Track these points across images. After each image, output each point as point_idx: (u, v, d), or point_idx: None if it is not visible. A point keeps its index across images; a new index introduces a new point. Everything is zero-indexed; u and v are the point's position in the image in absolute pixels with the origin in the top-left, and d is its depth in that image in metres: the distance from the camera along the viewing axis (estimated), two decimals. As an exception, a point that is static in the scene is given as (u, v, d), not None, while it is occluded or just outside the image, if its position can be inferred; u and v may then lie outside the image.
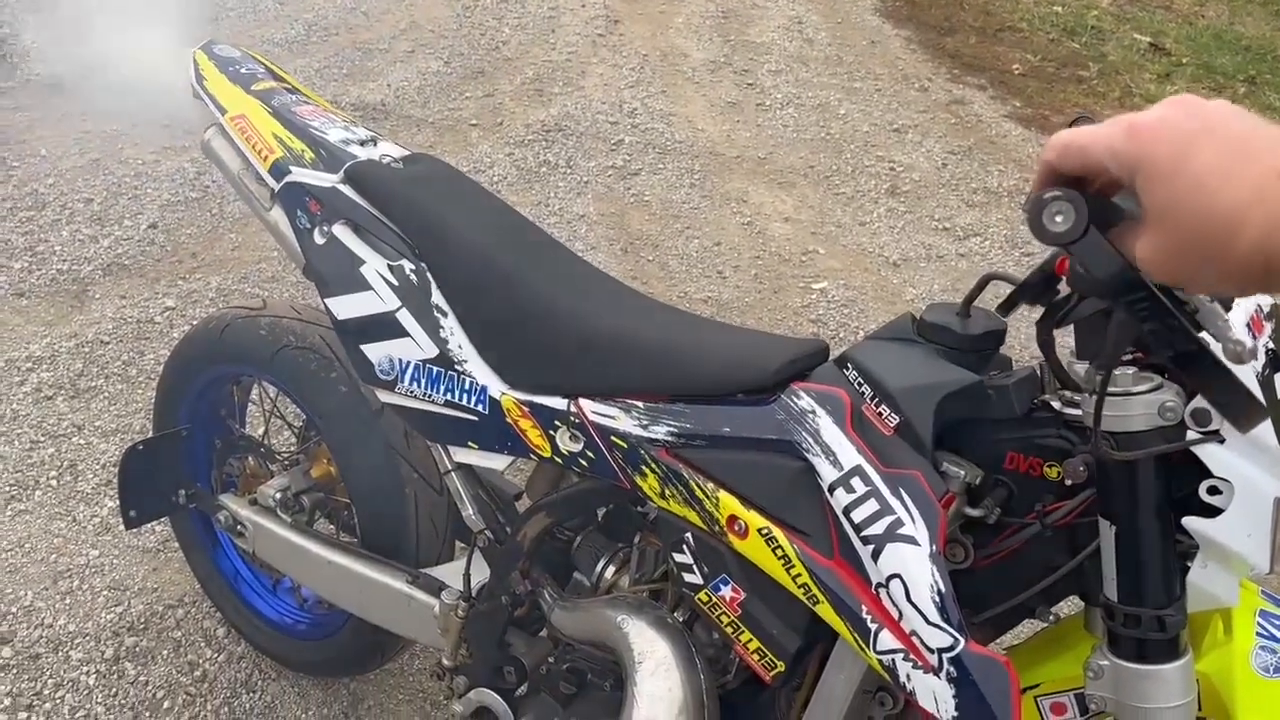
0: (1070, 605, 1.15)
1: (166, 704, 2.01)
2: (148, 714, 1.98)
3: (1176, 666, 0.94)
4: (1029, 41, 5.90)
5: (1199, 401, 0.91)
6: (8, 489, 2.45)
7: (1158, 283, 0.78)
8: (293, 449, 1.95)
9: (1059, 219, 0.74)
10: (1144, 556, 0.94)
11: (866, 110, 4.87)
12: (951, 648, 0.97)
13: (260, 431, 2.04)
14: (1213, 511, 0.92)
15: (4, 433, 2.61)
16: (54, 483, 2.49)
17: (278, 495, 1.80)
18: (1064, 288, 1.00)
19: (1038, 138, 4.71)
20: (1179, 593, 0.95)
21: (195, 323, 2.19)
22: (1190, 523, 0.93)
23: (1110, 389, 0.92)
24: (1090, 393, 0.93)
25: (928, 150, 4.53)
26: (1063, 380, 0.97)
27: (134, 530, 2.12)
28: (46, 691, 2.00)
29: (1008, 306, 1.00)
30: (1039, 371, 1.10)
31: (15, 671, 2.03)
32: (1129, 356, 0.96)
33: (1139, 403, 0.92)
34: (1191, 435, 0.92)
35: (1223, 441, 0.91)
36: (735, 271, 3.62)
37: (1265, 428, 0.90)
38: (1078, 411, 1.03)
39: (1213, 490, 0.93)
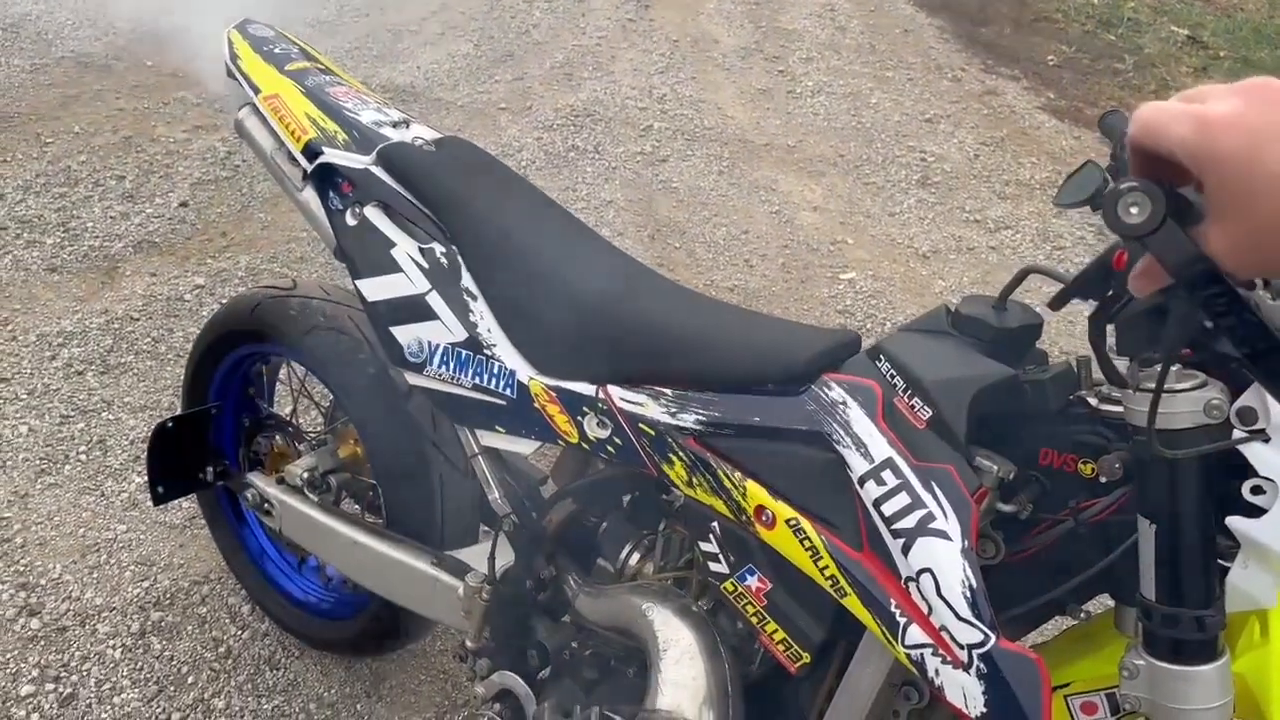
0: (1097, 603, 1.14)
1: (191, 679, 2.02)
2: (172, 688, 2.00)
3: (1214, 668, 0.93)
4: (1064, 33, 5.84)
5: (1245, 400, 0.89)
6: (38, 462, 2.47)
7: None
8: (320, 429, 1.96)
9: (1134, 210, 0.72)
10: (1184, 556, 0.93)
11: (898, 100, 4.83)
12: (982, 644, 0.96)
13: (288, 411, 2.05)
14: (1256, 511, 0.91)
15: (35, 406, 2.64)
16: (83, 457, 2.51)
17: (305, 475, 1.81)
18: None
19: (1071, 130, 4.66)
20: (1218, 593, 0.94)
21: (225, 301, 2.21)
22: (1234, 522, 0.92)
23: (1151, 386, 0.90)
24: (1135, 389, 0.92)
25: (960, 141, 4.49)
26: (1112, 377, 0.95)
27: (161, 506, 2.13)
28: (73, 664, 2.02)
29: (1060, 301, 0.98)
30: (1075, 367, 1.08)
31: (43, 643, 2.05)
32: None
33: (1184, 400, 0.90)
34: (1237, 434, 0.90)
35: (1268, 440, 0.89)
36: (762, 260, 3.61)
37: None
38: (1114, 408, 1.01)
39: (1256, 490, 0.91)
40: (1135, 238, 0.73)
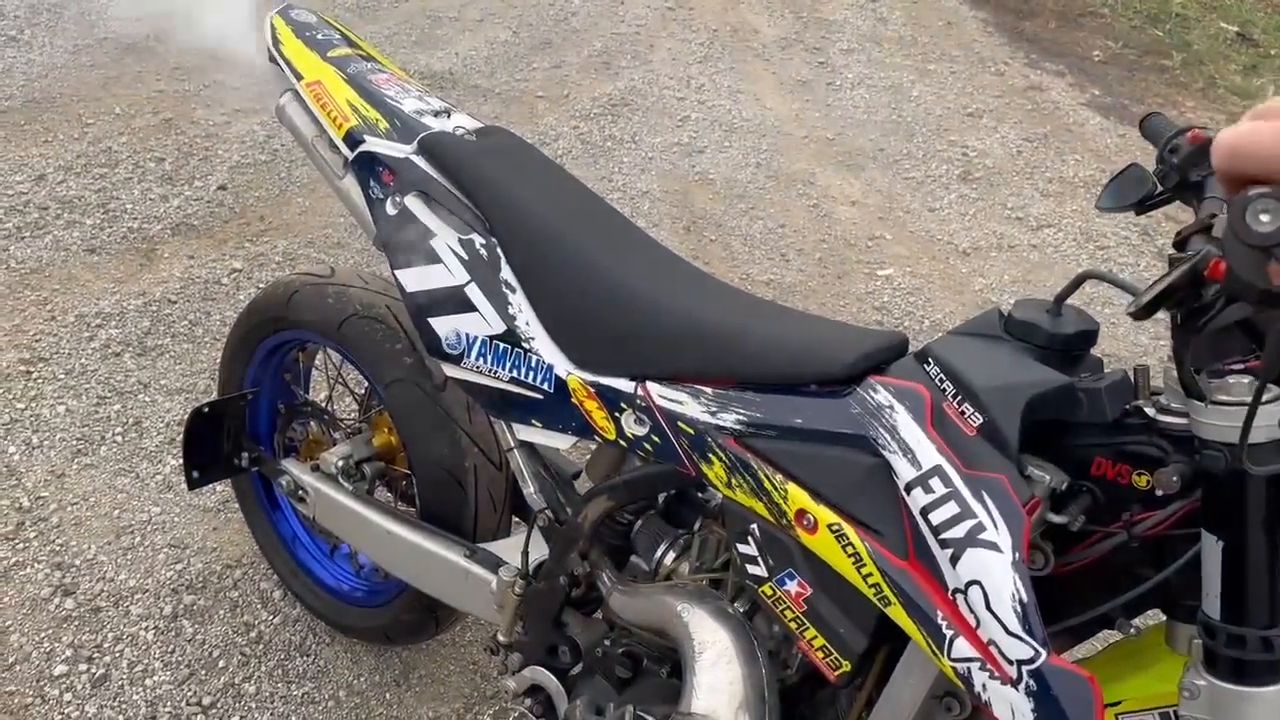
0: (1145, 617, 1.11)
1: (221, 663, 2.03)
2: (203, 672, 2.01)
3: (1279, 689, 0.90)
4: (1110, 28, 5.74)
5: None
6: (75, 443, 2.49)
7: None
8: (355, 417, 1.95)
9: (1264, 218, 0.69)
10: (1252, 574, 0.90)
11: (940, 93, 4.77)
12: (1032, 659, 0.93)
13: (323, 398, 2.05)
14: None
15: (73, 387, 2.66)
16: (119, 439, 2.53)
17: (340, 463, 1.80)
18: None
19: (1116, 127, 4.58)
20: None
21: (262, 286, 2.20)
22: None
23: (1224, 399, 0.88)
24: (1209, 402, 0.89)
25: (1002, 136, 4.43)
26: (1193, 390, 0.91)
27: (195, 490, 2.14)
28: (106, 645, 2.04)
29: (1150, 310, 0.91)
30: (1132, 376, 1.05)
31: (77, 623, 2.07)
32: (1240, 366, 0.91)
33: (1263, 414, 0.87)
34: None
35: None
36: (799, 255, 3.57)
37: None
38: (1172, 420, 0.98)
39: None
40: (1265, 247, 0.70)
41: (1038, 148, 4.34)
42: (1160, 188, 1.27)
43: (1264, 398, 0.88)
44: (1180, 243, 1.14)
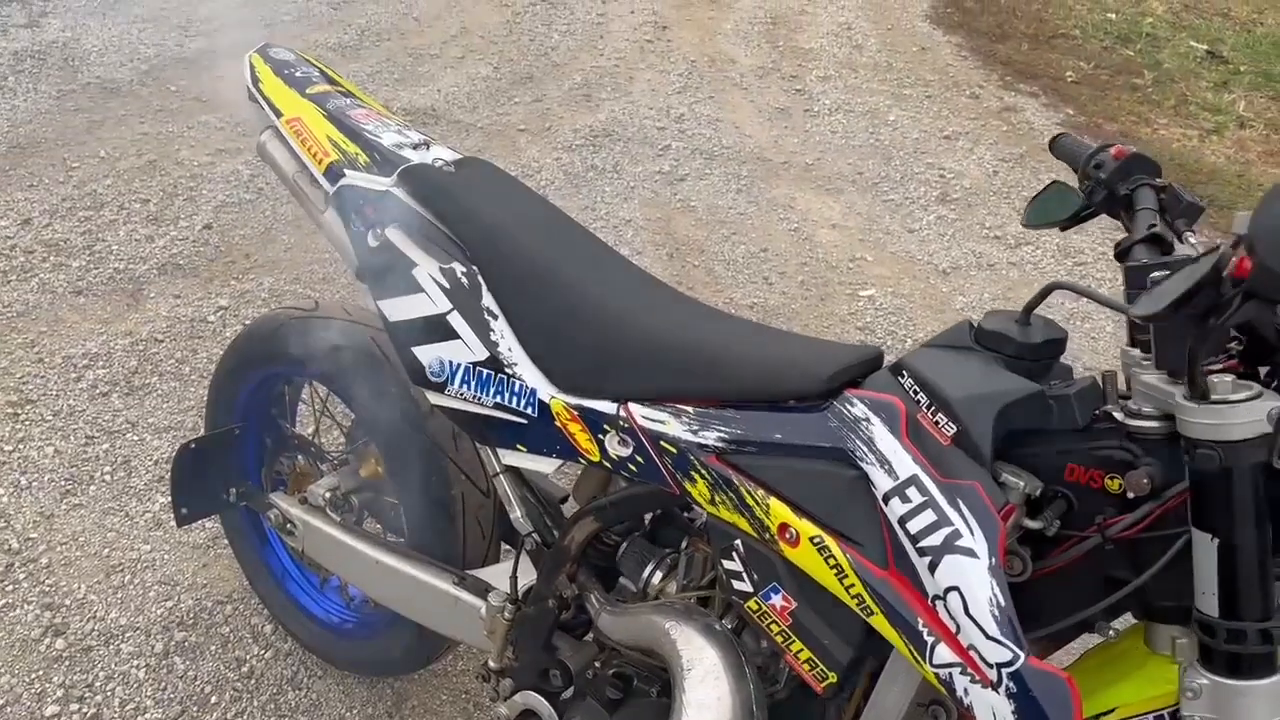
0: (1123, 619, 1.13)
1: (214, 699, 2.03)
2: (195, 709, 2.00)
3: (1278, 680, 0.92)
4: (1082, 49, 5.83)
5: None
6: (63, 483, 2.49)
7: None
8: (342, 449, 1.96)
9: None
10: (1246, 569, 0.92)
11: (916, 117, 4.83)
12: (1011, 663, 0.95)
13: (310, 431, 2.06)
14: None
15: (61, 428, 2.66)
16: (108, 478, 2.53)
17: (327, 495, 1.81)
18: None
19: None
20: (1277, 603, 0.93)
21: (248, 322, 2.22)
22: None
23: (1214, 398, 0.90)
24: (1201, 402, 0.91)
25: (979, 158, 4.48)
26: (1203, 390, 0.92)
27: (185, 527, 2.14)
28: (98, 684, 2.03)
29: (1176, 307, 0.91)
30: (1100, 381, 1.08)
31: (68, 663, 2.06)
32: (1220, 366, 0.94)
33: (1243, 411, 0.90)
34: None
35: None
36: (782, 278, 3.60)
37: None
38: (1142, 424, 1.01)
39: None
40: None
41: (1013, 168, 4.40)
42: (1088, 203, 1.31)
43: (1244, 394, 0.91)
44: (1122, 253, 1.17)
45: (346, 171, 1.56)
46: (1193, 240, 1.21)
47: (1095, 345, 3.27)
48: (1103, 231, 3.72)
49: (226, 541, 2.20)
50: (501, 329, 1.41)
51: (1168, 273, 1.06)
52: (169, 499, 1.97)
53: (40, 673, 2.04)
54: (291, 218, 3.67)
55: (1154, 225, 1.19)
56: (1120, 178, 1.29)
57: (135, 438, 2.66)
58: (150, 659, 2.09)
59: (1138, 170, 1.29)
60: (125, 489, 2.50)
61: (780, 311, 3.42)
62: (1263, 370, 1.00)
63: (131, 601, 2.21)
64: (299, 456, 1.99)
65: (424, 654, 1.92)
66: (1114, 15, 6.31)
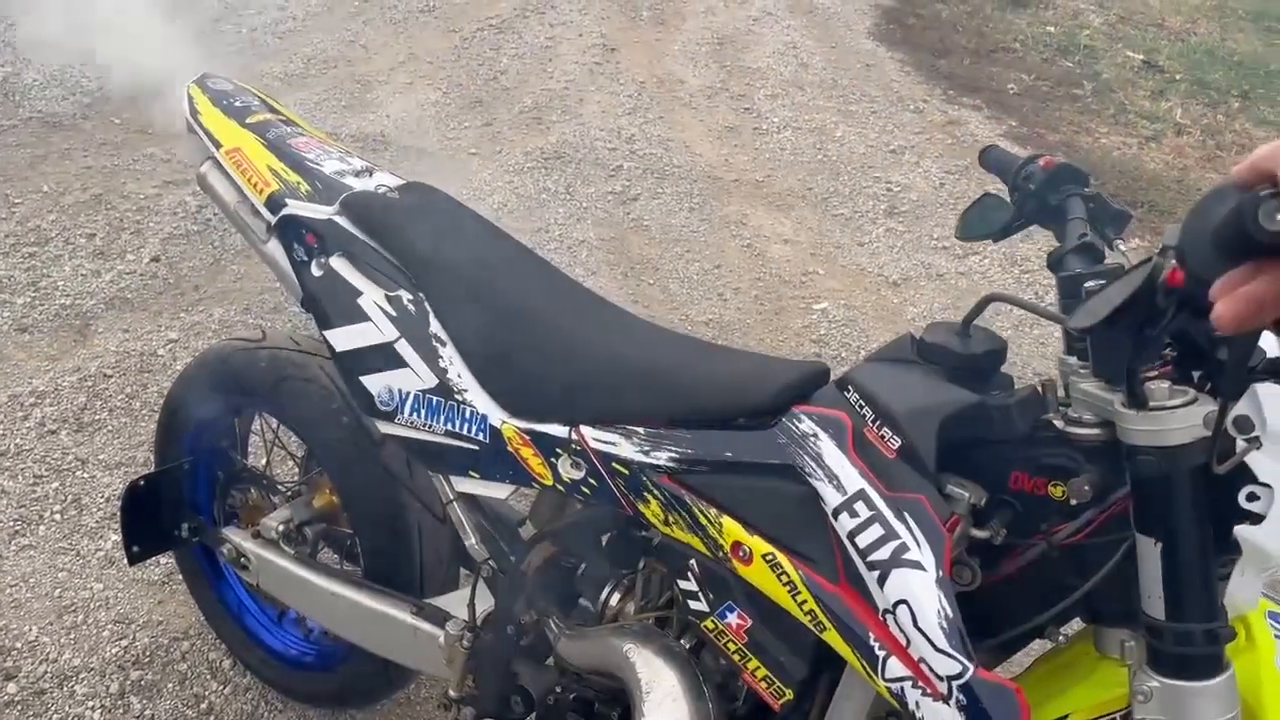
0: (1073, 625, 1.14)
1: (172, 739, 1.99)
2: (153, 750, 1.97)
3: (1225, 679, 0.94)
4: (1023, 61, 5.94)
5: (1241, 408, 0.90)
6: (12, 524, 2.44)
7: None
8: (295, 480, 1.94)
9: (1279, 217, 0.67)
10: (1190, 571, 0.94)
11: (863, 132, 4.89)
12: (960, 675, 0.96)
13: (262, 463, 2.04)
14: (1255, 518, 0.92)
15: (8, 468, 2.61)
16: (58, 517, 2.48)
17: (281, 527, 1.79)
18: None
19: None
20: (1221, 604, 0.95)
21: (195, 355, 2.19)
22: (1241, 531, 0.93)
23: (1152, 405, 0.92)
24: (1141, 409, 0.93)
25: (925, 170, 4.54)
26: (1141, 399, 0.94)
27: (138, 564, 2.11)
28: (51, 729, 1.99)
29: (1113, 319, 0.92)
30: (1041, 390, 1.09)
31: (20, 707, 2.02)
32: (1155, 373, 0.96)
33: (1181, 416, 0.92)
34: (1240, 444, 0.91)
35: (1259, 447, 0.91)
36: (736, 294, 3.63)
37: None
38: (1081, 431, 1.02)
39: (1251, 497, 0.93)
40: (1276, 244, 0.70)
41: (959, 179, 4.46)
42: (1019, 214, 1.34)
43: (1180, 400, 0.92)
44: (1055, 263, 1.19)
45: (288, 201, 1.55)
46: (1122, 248, 1.24)
47: (1044, 351, 3.32)
48: (1047, 240, 3.78)
49: (182, 577, 2.17)
50: (450, 355, 1.41)
51: (1102, 282, 1.08)
52: (121, 536, 1.94)
53: (-10, 720, 1.99)
54: (240, 248, 3.63)
55: (1085, 235, 1.22)
56: (1050, 188, 1.32)
57: (85, 475, 2.61)
58: (106, 699, 2.05)
59: (1067, 180, 1.32)
60: (76, 527, 2.46)
61: (735, 326, 3.44)
62: (1195, 374, 1.02)
63: (85, 642, 2.17)
64: (251, 489, 1.97)
65: (384, 685, 1.90)
66: (1053, 29, 6.44)
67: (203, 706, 2.06)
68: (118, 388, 2.92)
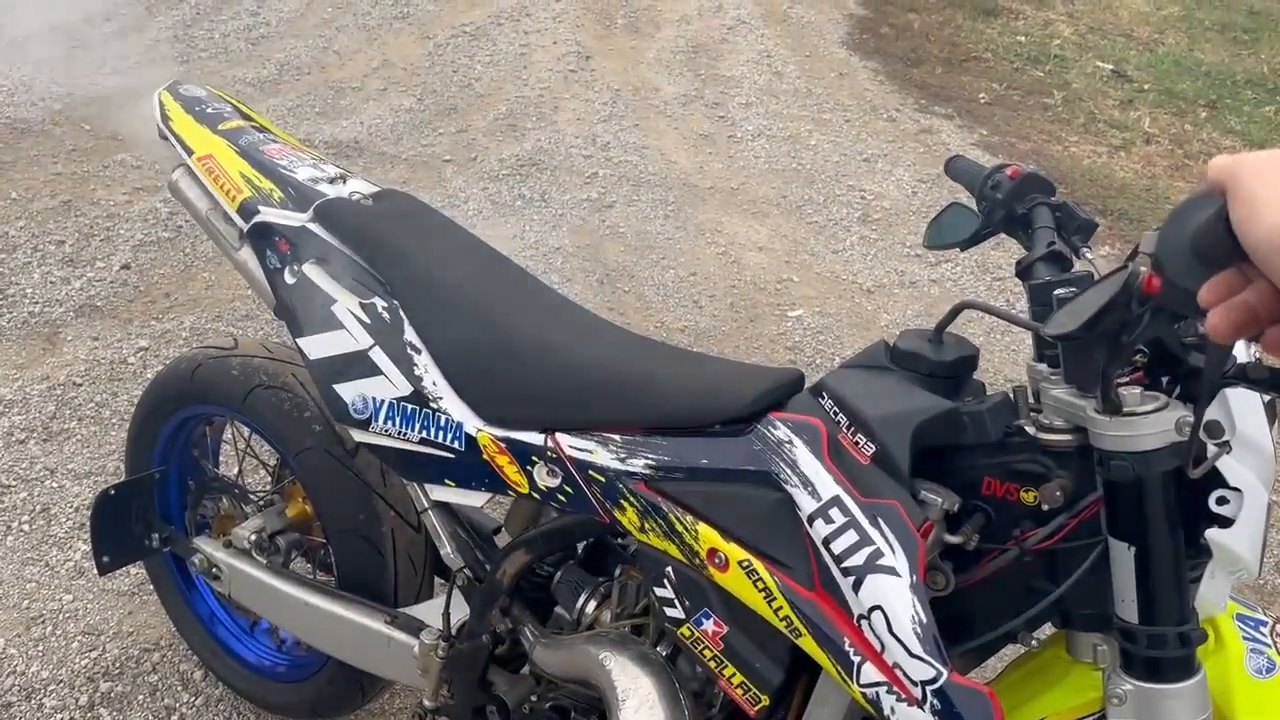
0: (1045, 629, 1.15)
1: (142, 752, 1.97)
2: (122, 763, 1.95)
3: (1197, 681, 0.95)
4: (994, 71, 5.99)
5: (1211, 413, 0.91)
6: (-22, 536, 2.41)
7: None
8: (267, 489, 1.93)
9: None
10: (1163, 575, 0.95)
11: (836, 141, 4.91)
12: (934, 680, 0.97)
13: (234, 472, 2.02)
14: (1225, 522, 0.93)
15: (-26, 478, 2.57)
16: (26, 527, 2.45)
17: (252, 537, 1.78)
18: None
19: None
20: (1193, 606, 0.96)
21: (166, 363, 2.17)
22: (1213, 534, 0.94)
23: (1126, 411, 0.93)
24: (1114, 415, 0.94)
25: (898, 179, 4.57)
26: (1114, 404, 0.95)
27: (108, 575, 2.09)
28: (18, 742, 1.96)
29: (1089, 326, 0.92)
30: (1012, 396, 1.10)
31: (-14, 723, 1.99)
32: (1127, 379, 0.97)
33: (1153, 421, 0.92)
34: (1211, 449, 0.93)
35: (1230, 451, 0.92)
36: (711, 301, 3.63)
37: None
38: (1053, 437, 1.03)
39: (1220, 500, 0.94)
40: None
41: (931, 188, 4.49)
42: (986, 223, 1.35)
43: (1152, 405, 0.93)
44: (1024, 271, 1.20)
45: (261, 208, 1.54)
46: (1089, 255, 1.25)
47: (1016, 358, 3.35)
48: (1018, 248, 3.81)
49: (152, 587, 2.14)
50: (425, 363, 1.40)
51: (1073, 290, 1.09)
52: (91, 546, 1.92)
53: (-44, 734, 1.96)
54: (211, 255, 3.61)
55: (1053, 243, 1.23)
56: (1016, 197, 1.33)
57: (54, 484, 2.58)
58: (75, 712, 2.02)
59: (1033, 189, 1.33)
60: (45, 538, 2.43)
61: (711, 333, 3.44)
62: (1164, 380, 1.03)
63: (54, 654, 2.14)
64: (223, 498, 1.95)
65: (358, 695, 1.89)
66: (1024, 38, 6.51)
67: (174, 718, 2.04)
68: (87, 396, 2.89)
